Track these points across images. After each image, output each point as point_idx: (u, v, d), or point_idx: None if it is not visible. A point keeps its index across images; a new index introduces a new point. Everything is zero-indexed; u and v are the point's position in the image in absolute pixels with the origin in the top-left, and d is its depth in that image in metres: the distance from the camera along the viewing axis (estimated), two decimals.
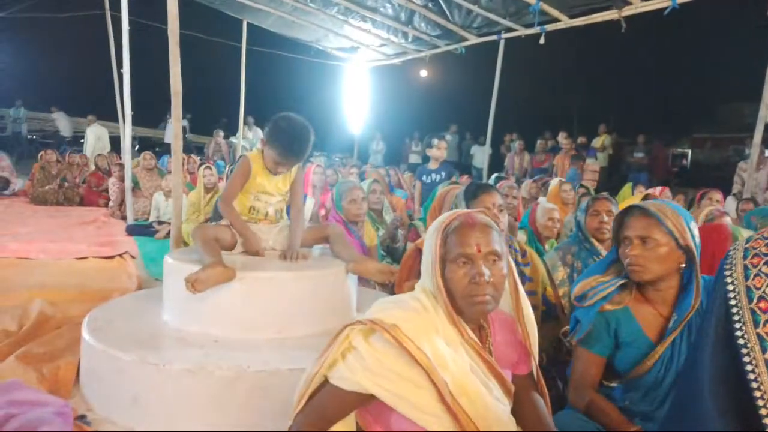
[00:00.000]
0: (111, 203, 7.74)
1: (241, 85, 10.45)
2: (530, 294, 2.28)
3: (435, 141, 5.28)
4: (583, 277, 1.88)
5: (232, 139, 12.95)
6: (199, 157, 9.41)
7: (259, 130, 12.80)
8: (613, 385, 1.83)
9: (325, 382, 1.31)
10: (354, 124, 12.52)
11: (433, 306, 1.32)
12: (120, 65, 6.11)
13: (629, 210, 1.79)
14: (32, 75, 14.44)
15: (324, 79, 13.53)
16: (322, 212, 4.73)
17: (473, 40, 8.23)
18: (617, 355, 1.79)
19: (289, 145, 2.58)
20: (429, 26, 8.39)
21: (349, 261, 2.61)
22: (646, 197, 4.28)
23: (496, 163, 11.45)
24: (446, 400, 1.21)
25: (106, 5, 8.72)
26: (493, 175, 7.20)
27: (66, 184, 8.94)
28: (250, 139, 12.76)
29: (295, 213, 2.78)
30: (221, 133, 12.94)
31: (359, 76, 11.74)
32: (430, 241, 1.37)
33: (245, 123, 11.98)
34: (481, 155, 11.55)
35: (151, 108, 5.92)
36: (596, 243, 2.82)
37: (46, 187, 8.71)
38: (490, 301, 1.29)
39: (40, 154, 9.58)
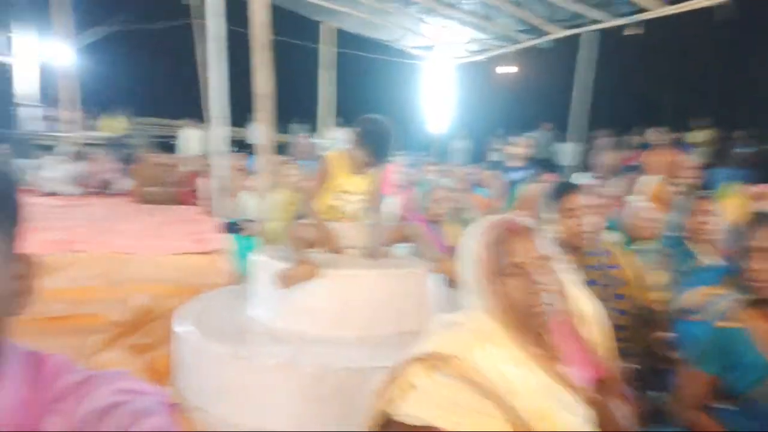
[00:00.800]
0: (203, 202, 8.14)
1: (319, 86, 10.69)
2: (619, 298, 2.18)
3: (518, 138, 5.17)
4: (689, 286, 1.74)
5: (315, 139, 13.27)
6: (284, 157, 9.71)
7: (341, 130, 13.04)
8: (724, 406, 1.70)
9: (389, 419, 1.20)
10: (435, 122, 12.49)
11: (488, 324, 1.22)
12: (206, 70, 6.42)
13: (763, 218, 1.60)
14: (133, 83, 15.47)
15: (403, 77, 13.58)
16: (404, 211, 4.75)
17: (558, 33, 7.99)
18: (731, 376, 1.64)
19: (379, 146, 2.61)
20: (513, 21, 8.22)
21: (431, 260, 2.60)
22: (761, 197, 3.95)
23: (585, 161, 11.03)
24: (523, 427, 1.12)
25: (193, 14, 9.18)
26: (580, 173, 6.94)
27: (165, 184, 9.52)
28: (332, 138, 13.03)
29: (376, 212, 2.81)
30: (304, 134, 13.30)
31: (441, 74, 11.69)
32: (470, 253, 1.27)
33: (327, 123, 12.25)
34: (568, 152, 11.18)
35: (235, 109, 6.17)
36: (693, 245, 2.65)
37: (147, 188, 9.31)
38: (550, 309, 1.21)
39: (141, 156, 10.26)
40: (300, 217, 2.80)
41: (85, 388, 0.64)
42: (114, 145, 11.82)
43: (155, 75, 16.11)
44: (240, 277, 4.42)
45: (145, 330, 3.13)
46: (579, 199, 2.33)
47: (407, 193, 5.23)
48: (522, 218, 1.30)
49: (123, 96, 14.11)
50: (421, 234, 2.80)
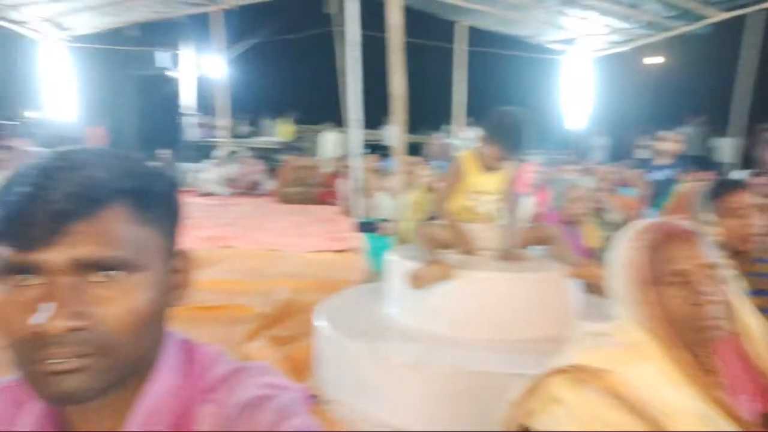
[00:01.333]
0: (341, 202, 8.48)
1: (454, 86, 10.66)
2: None
3: (667, 134, 4.76)
4: None
5: (450, 140, 13.27)
6: (418, 158, 9.84)
7: (473, 130, 12.91)
8: None
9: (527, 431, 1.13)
10: (573, 119, 11.92)
11: (640, 338, 1.09)
12: (344, 75, 6.66)
13: None
14: (277, 90, 16.52)
15: (539, 73, 13.11)
16: (539, 212, 4.57)
17: (716, 16, 7.24)
18: None
19: (511, 139, 2.50)
20: (662, 7, 7.60)
21: (569, 264, 2.48)
22: None
23: (746, 157, 9.89)
24: None
25: (333, 22, 9.59)
26: (742, 171, 6.24)
27: (306, 185, 10.07)
28: (465, 138, 12.94)
29: (510, 212, 2.73)
30: (438, 134, 13.35)
31: (579, 69, 11.14)
32: (622, 259, 1.14)
33: (460, 123, 12.19)
34: (726, 148, 10.11)
35: (371, 112, 6.35)
36: None
37: (289, 189, 9.91)
38: (720, 324, 1.06)
39: (285, 159, 10.95)
40: (432, 217, 2.80)
41: (236, 380, 0.67)
42: (288, 149, 12.74)
43: (297, 82, 17.07)
44: (374, 275, 4.53)
45: (286, 322, 3.31)
46: (745, 198, 2.08)
47: (543, 192, 5.03)
48: (682, 221, 1.17)
49: (268, 103, 15.15)
50: (557, 236, 2.67)
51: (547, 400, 1.09)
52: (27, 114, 11.93)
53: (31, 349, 0.55)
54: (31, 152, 5.67)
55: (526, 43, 10.86)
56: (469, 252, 2.63)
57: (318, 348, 2.56)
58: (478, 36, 10.97)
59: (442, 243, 2.62)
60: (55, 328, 0.54)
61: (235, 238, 5.97)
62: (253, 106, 14.44)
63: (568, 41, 10.43)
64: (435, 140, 13.25)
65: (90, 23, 10.16)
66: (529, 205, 4.64)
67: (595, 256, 3.39)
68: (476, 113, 11.09)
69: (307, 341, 2.81)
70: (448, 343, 2.23)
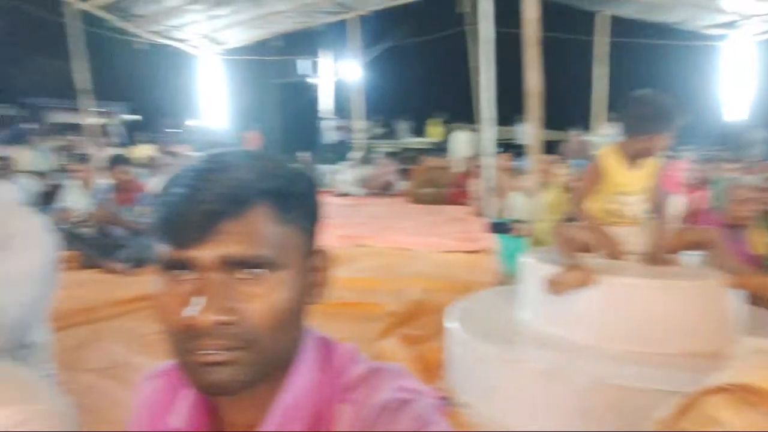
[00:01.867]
0: (473, 202, 8.39)
1: (594, 80, 10.08)
2: None
3: None
4: None
5: (589, 137, 12.60)
6: (554, 156, 9.45)
7: (614, 126, 12.13)
8: None
9: None
10: (731, 110, 10.75)
11: None
12: (477, 73, 6.57)
13: None
14: (409, 92, 16.75)
15: (691, 63, 11.99)
16: (693, 213, 4.17)
17: None
18: None
19: (655, 121, 2.26)
20: None
21: (729, 272, 2.22)
22: None
23: None
24: None
25: (465, 21, 9.51)
26: None
27: (438, 185, 10.10)
28: (605, 135, 12.20)
29: (659, 213, 2.50)
30: (576, 132, 12.72)
31: (738, 55, 10.02)
32: None
33: (600, 119, 11.51)
34: None
35: (504, 110, 6.21)
36: None
37: (422, 189, 9.99)
38: None
39: (418, 160, 11.08)
40: (570, 218, 2.66)
41: (373, 381, 0.67)
42: (436, 149, 12.99)
43: (428, 83, 17.18)
44: (506, 278, 4.41)
45: (418, 322, 3.33)
46: None
47: (698, 192, 4.59)
48: None
49: (401, 104, 15.41)
50: (715, 240, 2.41)
51: (703, 422, 0.99)
52: (188, 122, 13.20)
53: (185, 340, 0.59)
54: (191, 157, 6.26)
55: (676, 30, 9.98)
56: (613, 256, 2.45)
57: (449, 350, 2.54)
58: (621, 26, 10.28)
59: (582, 246, 2.47)
60: (205, 322, 0.58)
61: (369, 237, 6.14)
62: (386, 107, 14.78)
63: (726, 25, 9.43)
64: (573, 137, 12.67)
65: (240, 37, 11.01)
66: (679, 204, 4.25)
67: (761, 263, 3.02)
68: (618, 108, 10.41)
69: (438, 342, 2.80)
70: (588, 353, 2.10)
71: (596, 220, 2.52)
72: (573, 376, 1.94)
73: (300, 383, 0.67)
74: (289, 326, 0.64)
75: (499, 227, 6.60)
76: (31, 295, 1.67)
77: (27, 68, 19.57)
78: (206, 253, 0.59)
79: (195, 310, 0.58)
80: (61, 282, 1.74)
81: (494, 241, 5.97)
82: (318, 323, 0.71)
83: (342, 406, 0.66)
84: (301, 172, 0.69)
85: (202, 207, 0.59)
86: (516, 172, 7.92)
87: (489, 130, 6.39)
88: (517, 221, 6.55)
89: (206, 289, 0.59)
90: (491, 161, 6.71)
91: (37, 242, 1.69)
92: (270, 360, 0.63)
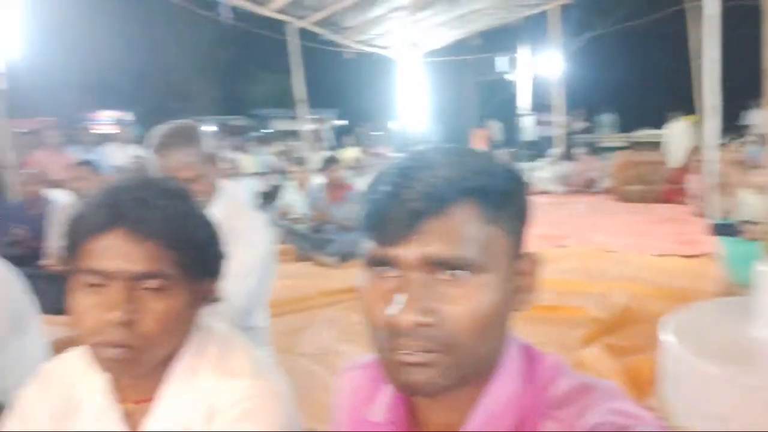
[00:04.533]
0: (692, 201, 7.51)
1: None
2: None
3: None
4: None
5: None
6: None
7: None
8: None
9: None
10: None
11: None
12: (698, 57, 5.83)
13: None
14: (616, 82, 15.55)
15: None
16: None
17: None
18: None
19: None
20: None
21: None
22: None
23: None
24: None
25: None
26: None
27: (647, 182, 9.23)
28: None
29: None
30: None
31: None
32: None
33: None
34: None
35: (729, 96, 5.42)
36: None
37: (628, 186, 9.21)
38: None
39: (622, 155, 10.25)
40: None
41: (584, 399, 0.62)
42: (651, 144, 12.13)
43: (636, 72, 15.81)
44: (735, 287, 3.86)
45: (625, 331, 3.06)
46: None
47: None
48: None
49: (604, 97, 14.39)
50: None
51: None
52: (390, 125, 13.90)
53: (385, 337, 0.60)
54: (393, 157, 6.56)
55: None
56: None
57: (663, 365, 2.28)
58: None
59: None
60: (406, 322, 0.57)
61: (570, 237, 5.83)
62: (588, 100, 13.90)
63: None
64: None
65: (440, 38, 11.25)
66: None
67: None
68: None
69: (649, 355, 2.54)
70: None
71: None
72: None
73: (502, 391, 0.63)
74: (490, 332, 0.61)
75: (725, 229, 5.80)
76: (254, 284, 1.88)
77: (255, 83, 22.32)
78: (408, 252, 0.59)
79: (396, 308, 0.58)
80: (278, 273, 1.93)
81: (719, 245, 5.27)
82: (516, 325, 0.67)
83: (547, 422, 0.61)
84: (509, 169, 0.66)
85: (404, 205, 0.58)
86: (746, 165, 6.89)
87: (713, 118, 5.64)
88: (748, 223, 5.70)
89: (407, 289, 0.59)
90: (715, 154, 5.93)
91: (259, 237, 1.91)
92: (469, 365, 0.60)
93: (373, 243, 0.61)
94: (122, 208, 0.83)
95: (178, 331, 0.90)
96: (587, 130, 13.89)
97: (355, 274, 0.65)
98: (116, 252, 0.82)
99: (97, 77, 16.56)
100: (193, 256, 0.88)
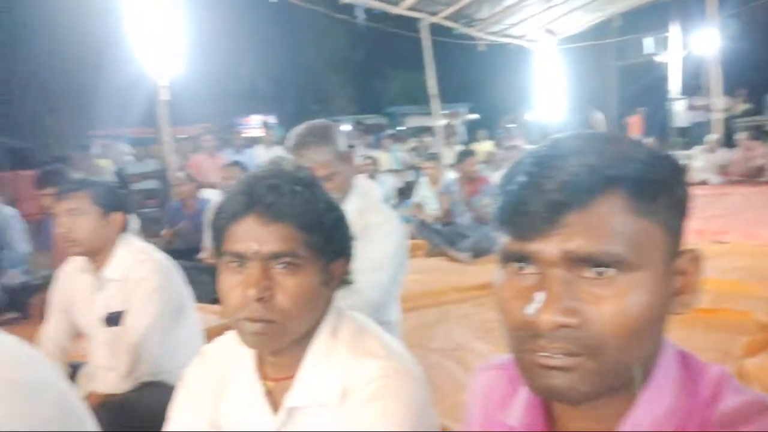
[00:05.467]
0: None
1: None
2: None
3: None
4: None
5: None
6: None
7: None
8: None
9: None
10: None
11: None
12: None
13: None
14: None
15: None
16: None
17: None
18: None
19: None
20: None
21: None
22: None
23: None
24: None
25: None
26: None
27: None
28: None
29: None
30: None
31: None
32: None
33: None
34: None
35: None
36: None
37: None
38: None
39: None
40: None
41: (758, 419, 0.53)
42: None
43: None
44: None
45: None
46: None
47: None
48: None
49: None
50: None
51: None
52: (524, 116, 13.50)
53: (523, 338, 0.56)
54: (528, 149, 6.36)
55: None
56: None
57: None
58: None
59: None
60: (546, 322, 0.53)
61: (730, 232, 5.25)
62: (750, 80, 12.39)
63: None
64: None
65: (577, 23, 10.70)
66: None
67: None
68: None
69: None
70: None
71: None
72: None
73: (656, 405, 0.57)
74: (642, 336, 0.55)
75: None
76: (386, 279, 1.91)
77: (388, 81, 22.84)
78: (549, 247, 0.54)
79: (535, 308, 0.54)
80: (410, 268, 1.94)
81: None
82: (673, 330, 0.60)
83: None
84: (663, 156, 0.58)
85: (544, 197, 0.54)
86: None
87: None
88: None
89: (548, 287, 0.54)
90: None
91: (390, 233, 1.93)
92: (616, 372, 0.55)
93: (509, 237, 0.57)
94: (256, 195, 0.90)
95: (313, 309, 0.95)
96: (750, 113, 12.40)
97: (488, 271, 0.62)
98: (251, 235, 0.89)
99: (246, 85, 17.96)
100: (322, 237, 0.94)
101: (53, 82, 14.77)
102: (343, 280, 1.03)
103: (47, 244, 4.04)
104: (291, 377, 0.96)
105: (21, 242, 4.16)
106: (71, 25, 12.18)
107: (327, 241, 0.94)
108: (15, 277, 3.91)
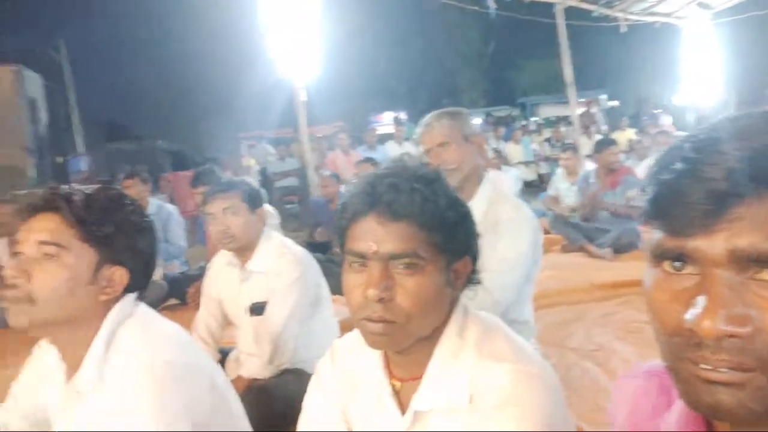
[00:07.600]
0: None
1: None
2: None
3: None
4: None
5: None
6: None
7: None
8: None
9: None
10: None
11: None
12: None
13: None
14: None
15: None
16: None
17: None
18: None
19: None
20: None
21: None
22: None
23: None
24: None
25: None
26: None
27: None
28: None
29: None
30: None
31: None
32: None
33: None
34: None
35: None
36: None
37: None
38: None
39: None
40: None
41: None
42: None
43: None
44: None
45: None
46: None
47: None
48: None
49: None
50: None
51: None
52: (673, 100, 12.41)
53: (681, 346, 0.50)
54: (678, 137, 5.83)
55: None
56: None
57: None
58: None
59: None
60: (709, 331, 0.46)
61: None
62: None
63: None
64: None
65: None
66: None
67: None
68: None
69: None
70: None
71: None
72: None
73: None
74: None
75: None
76: (518, 278, 1.84)
77: (520, 72, 22.20)
78: (712, 244, 0.47)
79: (697, 314, 0.47)
80: (546, 263, 1.85)
81: None
82: None
83: None
84: None
85: (706, 186, 0.47)
86: None
87: None
88: None
89: (711, 290, 0.47)
90: None
91: (522, 227, 1.86)
92: None
93: (663, 232, 0.51)
94: (376, 194, 0.89)
95: (436, 309, 0.93)
96: None
97: (630, 268, 0.56)
98: (371, 235, 0.88)
99: (378, 82, 18.42)
100: (444, 236, 0.90)
101: (203, 89, 16.24)
102: (470, 279, 0.99)
103: (202, 239, 4.42)
104: (418, 378, 0.94)
105: (180, 236, 4.59)
106: (215, 33, 13.29)
107: (449, 240, 0.91)
108: (175, 267, 4.32)
